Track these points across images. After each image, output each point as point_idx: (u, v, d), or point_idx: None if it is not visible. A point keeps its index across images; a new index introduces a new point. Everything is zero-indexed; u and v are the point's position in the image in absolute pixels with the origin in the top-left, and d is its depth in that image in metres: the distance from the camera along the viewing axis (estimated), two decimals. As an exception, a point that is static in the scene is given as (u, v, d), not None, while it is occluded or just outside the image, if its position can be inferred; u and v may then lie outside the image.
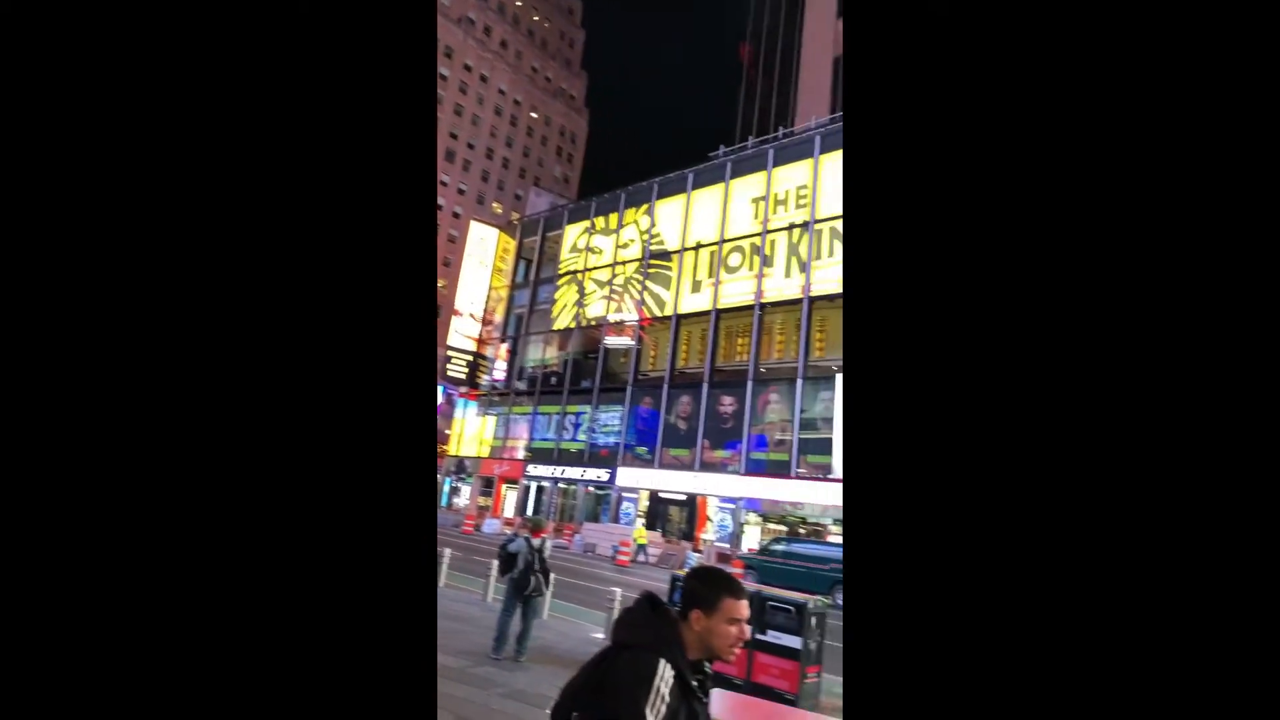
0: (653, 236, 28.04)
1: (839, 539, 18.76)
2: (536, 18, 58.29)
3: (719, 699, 3.55)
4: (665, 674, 1.29)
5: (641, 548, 20.49)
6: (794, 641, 5.65)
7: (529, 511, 26.96)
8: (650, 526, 23.07)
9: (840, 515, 19.51)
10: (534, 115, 56.39)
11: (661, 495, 24.35)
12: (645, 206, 28.74)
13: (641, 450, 25.47)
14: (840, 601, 14.15)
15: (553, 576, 6.79)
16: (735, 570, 16.18)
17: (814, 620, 5.79)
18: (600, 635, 7.43)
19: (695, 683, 1.38)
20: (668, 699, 1.28)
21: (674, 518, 24.00)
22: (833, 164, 23.12)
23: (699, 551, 20.41)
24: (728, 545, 20.78)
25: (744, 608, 1.44)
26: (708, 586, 1.44)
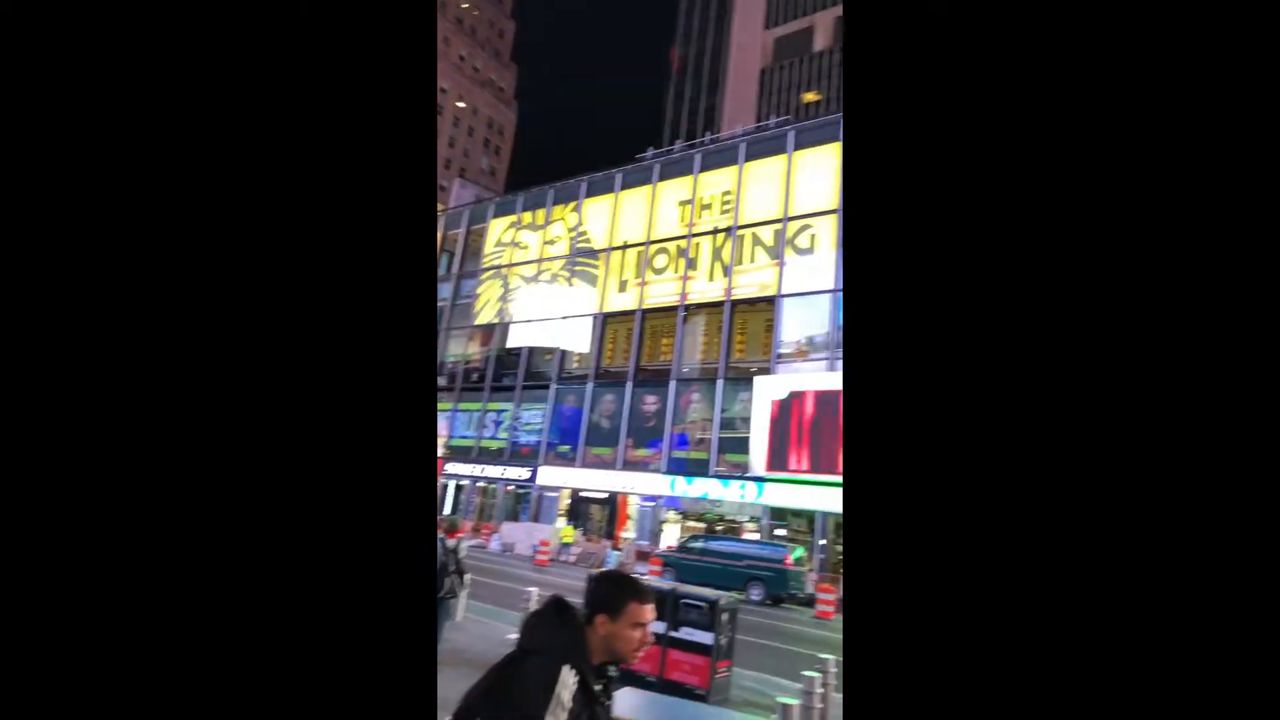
0: (580, 234, 27.95)
1: (755, 535, 19.33)
2: (465, 5, 56.78)
3: (629, 699, 3.61)
4: (568, 680, 1.32)
5: (565, 546, 20.39)
6: (705, 638, 5.80)
7: (446, 511, 26.29)
8: (572, 525, 23.02)
9: (757, 513, 20.12)
10: (461, 105, 54.91)
11: (583, 494, 24.33)
12: (573, 204, 28.59)
13: (564, 449, 25.35)
14: (754, 596, 14.61)
15: (468, 577, 6.68)
16: (653, 568, 16.39)
17: (725, 616, 5.96)
18: (515, 636, 7.35)
19: (599, 687, 1.41)
20: (569, 705, 1.30)
21: (595, 516, 24.02)
22: (757, 172, 23.78)
23: (619, 550, 20.52)
24: (647, 543, 21.00)
25: (649, 612, 1.48)
26: (613, 591, 1.48)
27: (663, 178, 26.35)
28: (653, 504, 22.35)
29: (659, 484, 22.24)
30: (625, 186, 27.32)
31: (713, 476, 21.24)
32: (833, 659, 5.32)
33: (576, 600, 1.51)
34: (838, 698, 5.47)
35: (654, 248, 25.60)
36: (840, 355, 20.13)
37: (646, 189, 26.56)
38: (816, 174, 22.27)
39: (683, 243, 24.76)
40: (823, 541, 18.78)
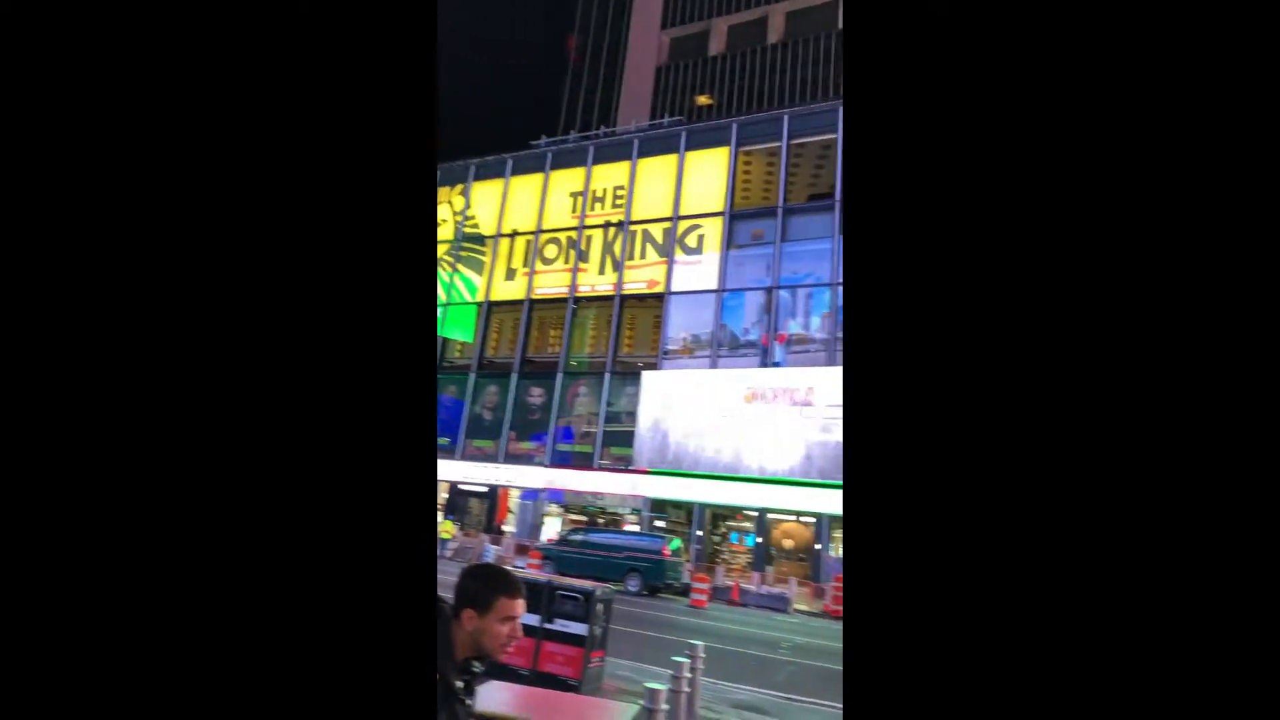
0: (467, 219, 27.08)
1: (635, 527, 19.70)
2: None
3: (500, 692, 3.57)
4: None
5: (443, 541, 19.78)
6: (580, 629, 5.85)
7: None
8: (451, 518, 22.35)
9: (638, 505, 20.50)
10: (341, 71, 51.31)
11: (462, 486, 23.68)
12: (460, 187, 27.65)
13: (443, 440, 24.53)
14: (631, 587, 14.89)
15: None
16: (533, 561, 16.28)
17: (600, 607, 6.04)
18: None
19: (461, 684, 1.39)
20: None
21: (474, 510, 23.47)
22: (649, 169, 24.12)
23: (497, 545, 20.19)
24: (526, 537, 20.80)
25: (519, 606, 1.45)
26: (482, 586, 1.44)
27: (555, 167, 26.07)
28: (534, 497, 22.16)
29: (541, 477, 22.08)
30: (516, 173, 26.78)
31: (597, 469, 21.38)
32: (701, 645, 5.54)
33: (450, 595, 1.48)
34: (704, 682, 5.72)
35: (544, 237, 25.30)
36: (722, 353, 20.94)
37: (538, 177, 26.18)
38: (706, 176, 22.95)
39: (574, 234, 24.66)
40: (699, 532, 19.47)
